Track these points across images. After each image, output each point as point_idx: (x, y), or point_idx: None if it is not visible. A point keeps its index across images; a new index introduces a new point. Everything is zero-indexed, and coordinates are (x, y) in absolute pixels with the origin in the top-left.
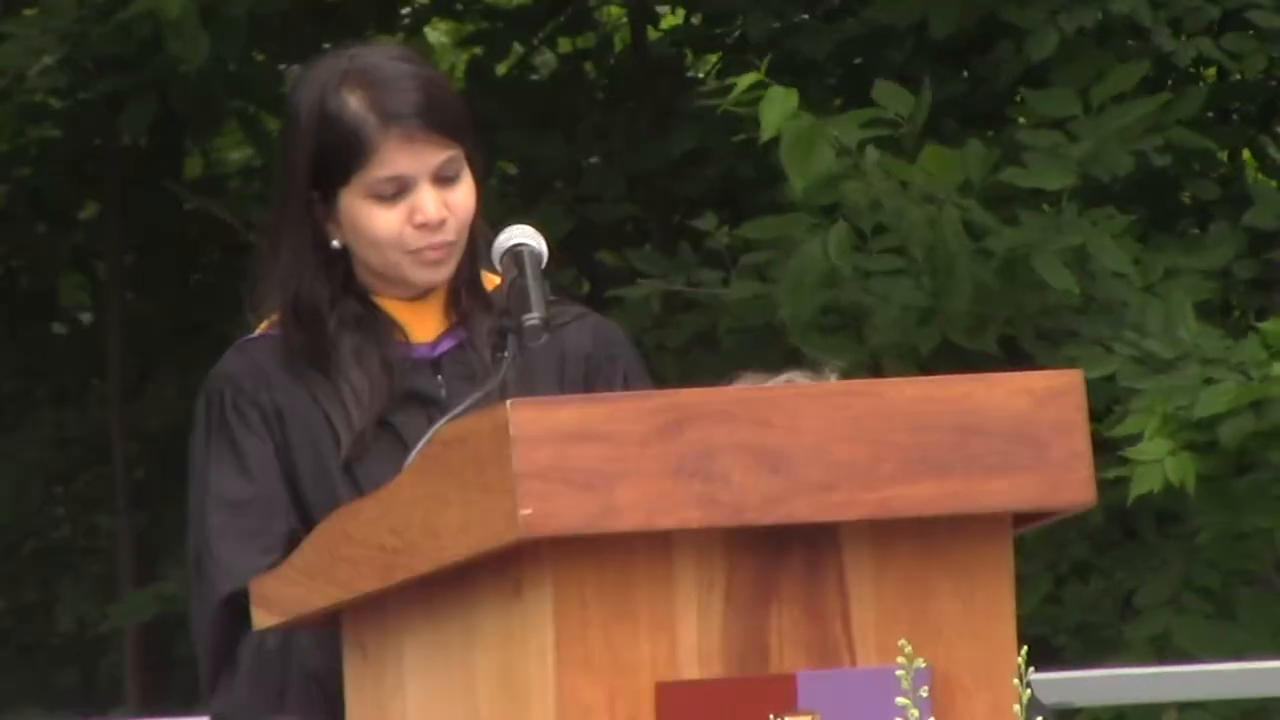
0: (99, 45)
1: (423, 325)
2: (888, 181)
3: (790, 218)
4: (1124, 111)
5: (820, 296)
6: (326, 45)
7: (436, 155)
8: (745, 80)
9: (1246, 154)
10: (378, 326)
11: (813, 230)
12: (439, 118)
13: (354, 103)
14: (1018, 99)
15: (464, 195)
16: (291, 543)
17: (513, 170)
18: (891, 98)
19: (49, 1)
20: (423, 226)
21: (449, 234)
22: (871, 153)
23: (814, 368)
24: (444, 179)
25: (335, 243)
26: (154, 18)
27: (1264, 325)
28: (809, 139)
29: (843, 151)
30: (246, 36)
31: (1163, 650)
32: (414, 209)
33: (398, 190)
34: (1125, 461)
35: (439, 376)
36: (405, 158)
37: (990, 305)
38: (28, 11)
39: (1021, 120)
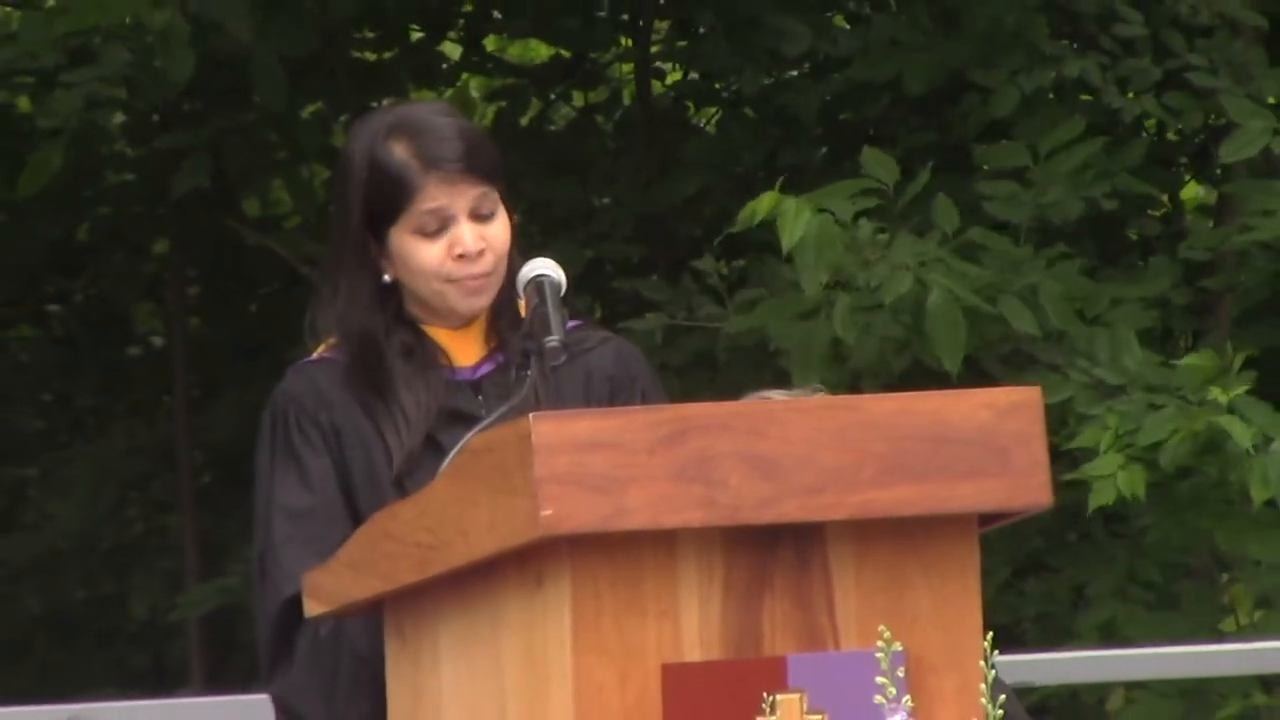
0: (152, 94)
1: (465, 350)
2: (876, 251)
3: (792, 296)
4: (1071, 156)
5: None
6: (374, 104)
7: (473, 193)
8: (765, 203)
9: (1188, 191)
10: (425, 353)
11: (816, 306)
12: (475, 161)
13: (399, 151)
14: (975, 153)
15: (499, 230)
16: None
17: (532, 211)
18: (880, 167)
19: (103, 52)
20: (462, 258)
21: (486, 265)
22: (865, 225)
23: (800, 387)
24: (481, 215)
25: (387, 277)
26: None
27: (1191, 359)
28: (824, 242)
29: (840, 226)
30: (282, 80)
31: (1110, 635)
32: (454, 242)
33: (439, 225)
34: (1079, 469)
35: (480, 397)
36: (445, 195)
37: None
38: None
39: (985, 168)
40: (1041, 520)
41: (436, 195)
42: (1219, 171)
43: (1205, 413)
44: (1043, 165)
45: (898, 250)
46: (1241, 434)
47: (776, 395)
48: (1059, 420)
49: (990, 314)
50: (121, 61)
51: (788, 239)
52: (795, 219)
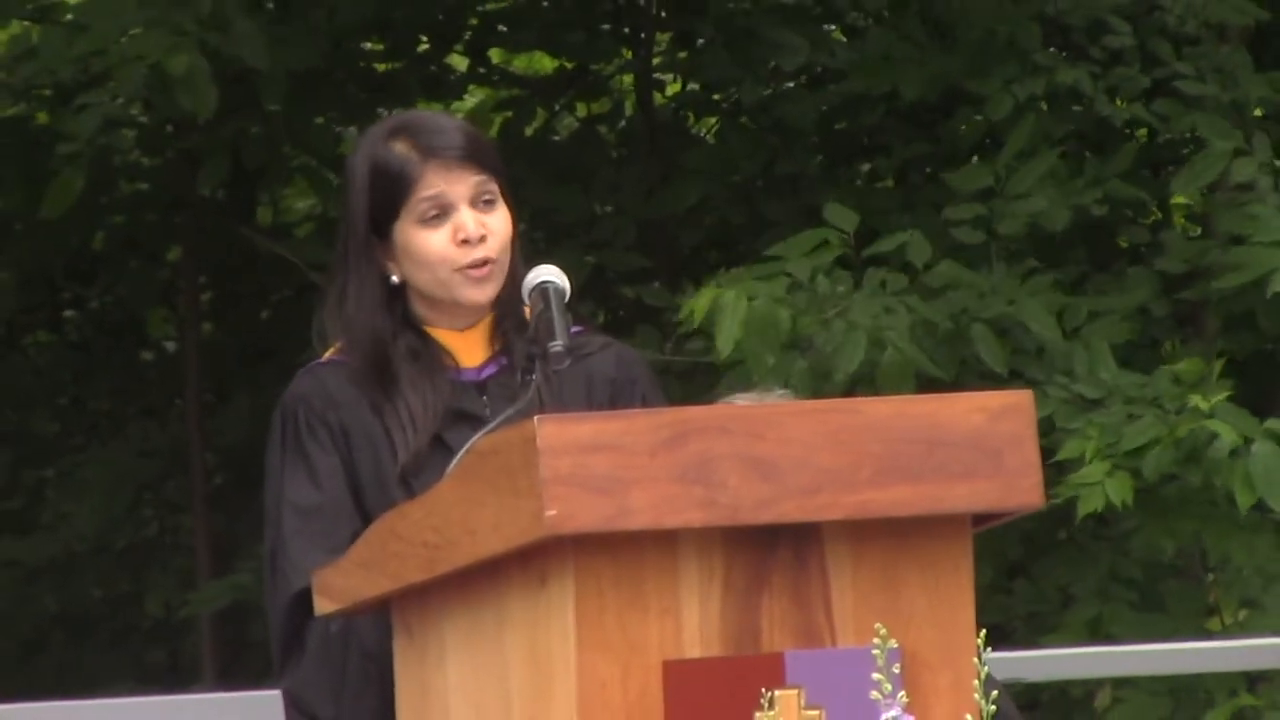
0: (165, 111)
1: (470, 352)
2: (836, 305)
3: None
4: (1033, 168)
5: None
6: (381, 110)
7: (471, 180)
8: (702, 302)
9: (1177, 198)
10: (431, 355)
11: (792, 340)
12: (472, 151)
13: (399, 148)
14: (949, 177)
15: (500, 219)
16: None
17: (537, 218)
18: (841, 218)
19: (119, 72)
20: (465, 243)
21: (489, 250)
22: (823, 281)
23: (766, 391)
24: (481, 203)
25: (395, 278)
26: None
27: (1178, 365)
28: (766, 328)
29: (795, 287)
30: (285, 88)
31: (1094, 633)
32: (457, 228)
33: (440, 211)
34: (1064, 477)
35: (484, 398)
36: (443, 182)
37: (938, 355)
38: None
39: (953, 186)
40: (1031, 522)
41: (435, 182)
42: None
43: (1187, 420)
44: (1007, 183)
45: (858, 305)
46: (1228, 434)
47: (742, 399)
48: (1042, 435)
49: (939, 376)
50: (139, 81)
51: (723, 342)
52: (735, 318)
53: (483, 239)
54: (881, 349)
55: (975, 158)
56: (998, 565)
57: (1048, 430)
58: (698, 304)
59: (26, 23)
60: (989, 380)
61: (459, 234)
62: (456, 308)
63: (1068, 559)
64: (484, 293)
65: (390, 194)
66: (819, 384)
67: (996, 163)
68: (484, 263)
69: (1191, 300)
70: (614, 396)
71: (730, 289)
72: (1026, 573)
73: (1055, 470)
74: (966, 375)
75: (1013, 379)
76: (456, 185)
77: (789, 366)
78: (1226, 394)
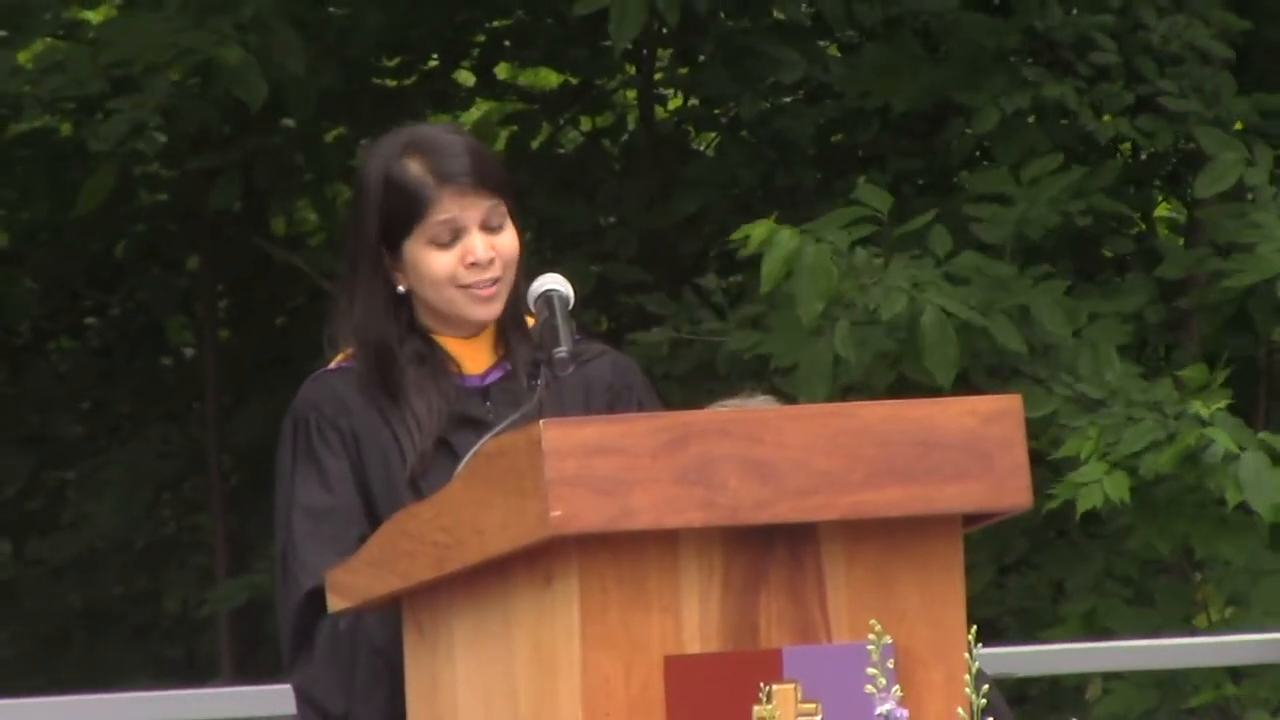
0: (190, 121)
1: (474, 359)
2: (873, 275)
3: (794, 316)
4: (1052, 183)
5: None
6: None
7: (483, 205)
8: (759, 230)
9: (1160, 210)
10: (437, 361)
11: (818, 329)
12: (484, 176)
13: (414, 168)
14: (961, 177)
15: (508, 240)
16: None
17: (542, 229)
18: (874, 197)
19: (146, 81)
20: (473, 266)
21: (496, 271)
22: (861, 252)
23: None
24: (490, 227)
25: (401, 288)
26: (215, 66)
27: (1184, 371)
28: (819, 271)
29: (837, 254)
30: (315, 105)
31: (1087, 628)
32: (466, 251)
33: (452, 236)
34: (1061, 476)
35: (488, 403)
36: (457, 208)
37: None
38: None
39: (968, 187)
40: (1023, 521)
41: (449, 208)
42: (1190, 192)
43: (1191, 425)
44: (1026, 188)
45: (893, 274)
46: (1226, 442)
47: (729, 404)
48: (1043, 432)
49: (980, 327)
50: (163, 91)
51: (767, 276)
52: (780, 254)
53: (491, 261)
54: (919, 314)
55: (985, 161)
56: (993, 562)
57: (1048, 427)
58: (755, 230)
59: (50, 39)
60: (997, 376)
61: (468, 257)
62: (462, 320)
63: (1061, 557)
64: (490, 310)
65: (404, 214)
66: (860, 350)
67: (1022, 172)
68: (492, 282)
69: (1181, 309)
70: (611, 402)
71: (786, 228)
72: (1021, 569)
73: (1054, 469)
74: (976, 369)
75: (1018, 377)
76: (470, 211)
77: (831, 323)
78: (1226, 402)
